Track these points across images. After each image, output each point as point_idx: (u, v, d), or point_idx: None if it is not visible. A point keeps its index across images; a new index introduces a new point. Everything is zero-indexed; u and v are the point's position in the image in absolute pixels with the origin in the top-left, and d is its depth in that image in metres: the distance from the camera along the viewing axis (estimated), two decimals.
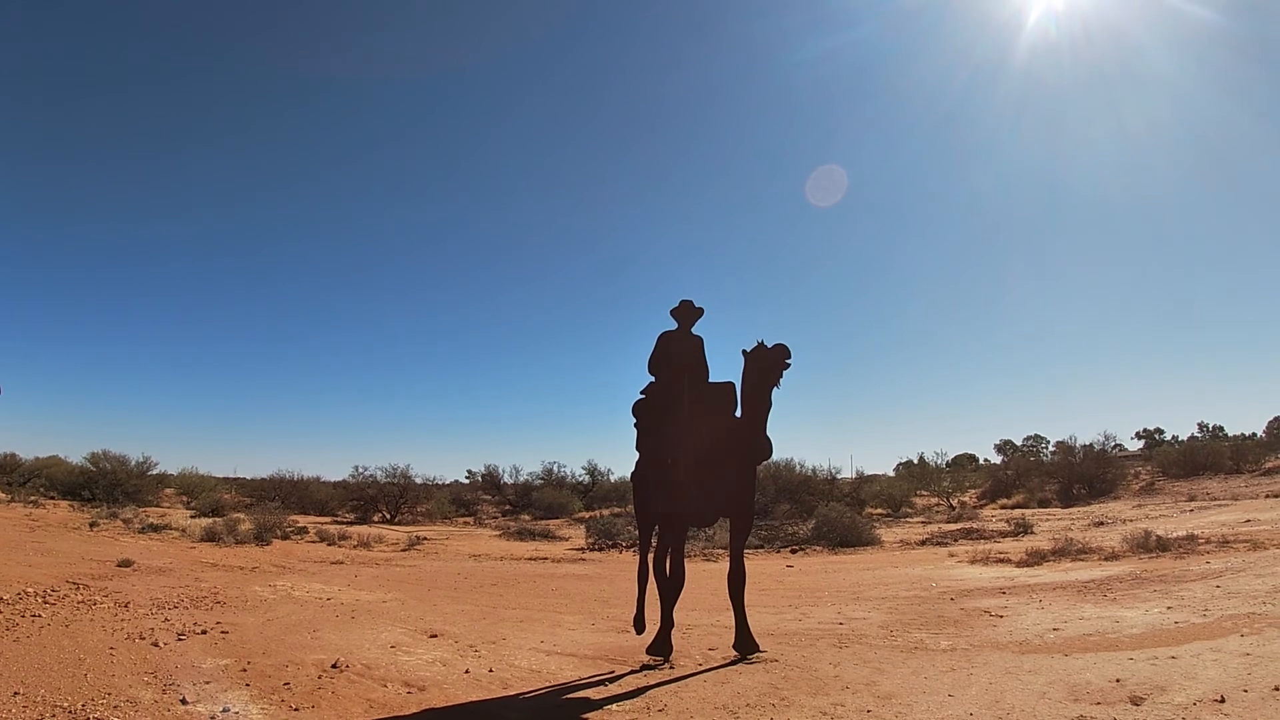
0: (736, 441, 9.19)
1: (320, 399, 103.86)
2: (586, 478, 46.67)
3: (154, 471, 39.47)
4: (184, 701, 6.78)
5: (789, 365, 8.97)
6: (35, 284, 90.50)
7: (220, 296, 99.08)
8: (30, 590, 11.54)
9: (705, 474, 9.04)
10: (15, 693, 6.66)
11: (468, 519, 39.31)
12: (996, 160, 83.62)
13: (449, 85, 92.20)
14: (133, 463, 38.04)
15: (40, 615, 9.99)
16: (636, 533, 11.12)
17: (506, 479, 47.26)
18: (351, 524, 32.62)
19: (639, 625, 9.56)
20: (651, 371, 9.90)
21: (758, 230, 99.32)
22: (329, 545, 23.39)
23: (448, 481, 50.33)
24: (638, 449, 10.04)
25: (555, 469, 46.98)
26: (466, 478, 51.00)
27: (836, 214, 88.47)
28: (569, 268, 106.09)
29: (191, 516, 29.52)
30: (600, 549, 24.16)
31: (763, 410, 9.14)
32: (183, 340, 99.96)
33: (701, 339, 9.98)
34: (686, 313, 9.84)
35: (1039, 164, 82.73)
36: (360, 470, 41.33)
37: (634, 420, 10.07)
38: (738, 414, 9.35)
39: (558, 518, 37.04)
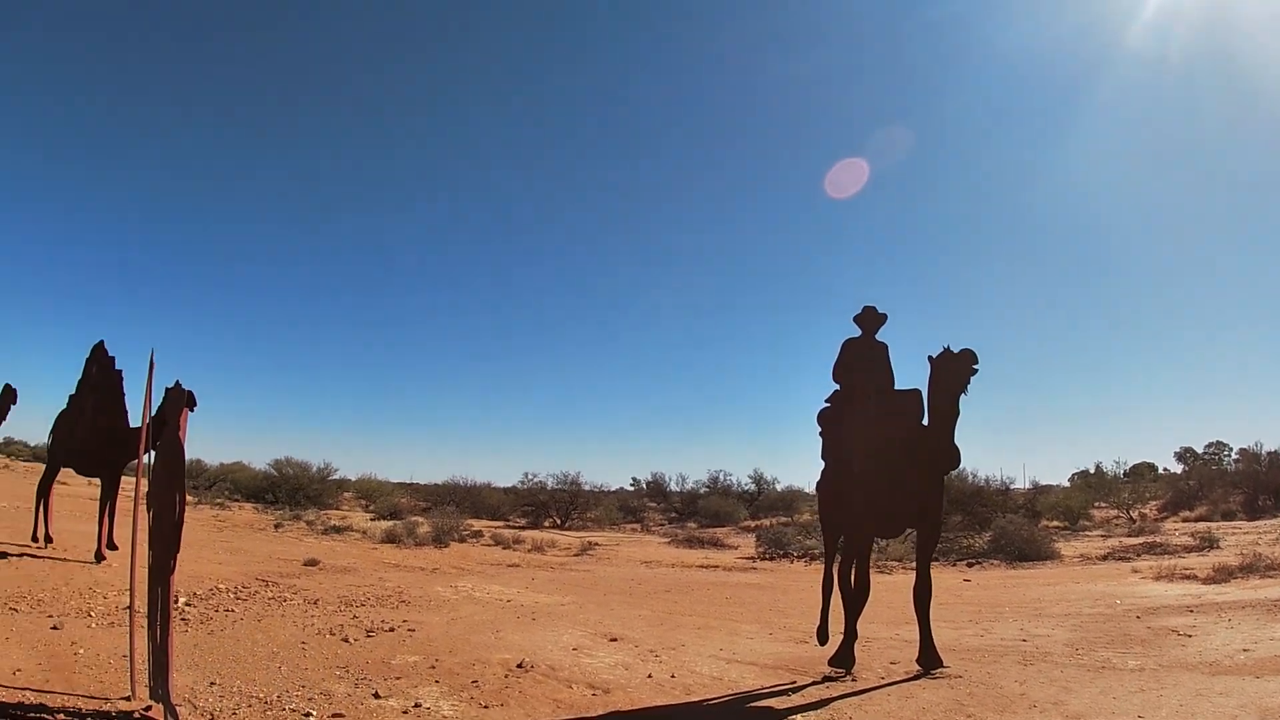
0: (924, 450, 8.77)
1: (492, 405, 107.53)
2: (752, 486, 45.90)
3: (334, 477, 41.60)
4: (376, 696, 6.76)
5: (976, 371, 8.56)
6: (220, 288, 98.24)
7: (400, 302, 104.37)
8: (222, 586, 12.07)
9: (891, 484, 8.69)
10: (211, 683, 6.81)
11: (634, 525, 39.48)
12: (1172, 149, 76.82)
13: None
14: (314, 469, 40.13)
15: (233, 610, 10.38)
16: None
17: (673, 487, 47.26)
18: (523, 529, 33.27)
19: (822, 636, 9.20)
20: (835, 379, 9.56)
21: (933, 229, 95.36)
22: (504, 549, 23.71)
23: (613, 489, 50.78)
24: (823, 458, 9.68)
25: (721, 477, 46.50)
26: (631, 485, 51.30)
27: (1001, 213, 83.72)
28: (739, 270, 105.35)
29: (371, 519, 30.86)
30: (771, 558, 23.73)
31: (950, 418, 8.70)
32: (360, 348, 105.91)
33: (886, 345, 9.51)
34: (870, 319, 9.43)
35: (1217, 149, 75.37)
36: (530, 476, 42.31)
37: (819, 429, 9.72)
38: (924, 422, 8.93)
39: (723, 526, 36.60)
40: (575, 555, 23.10)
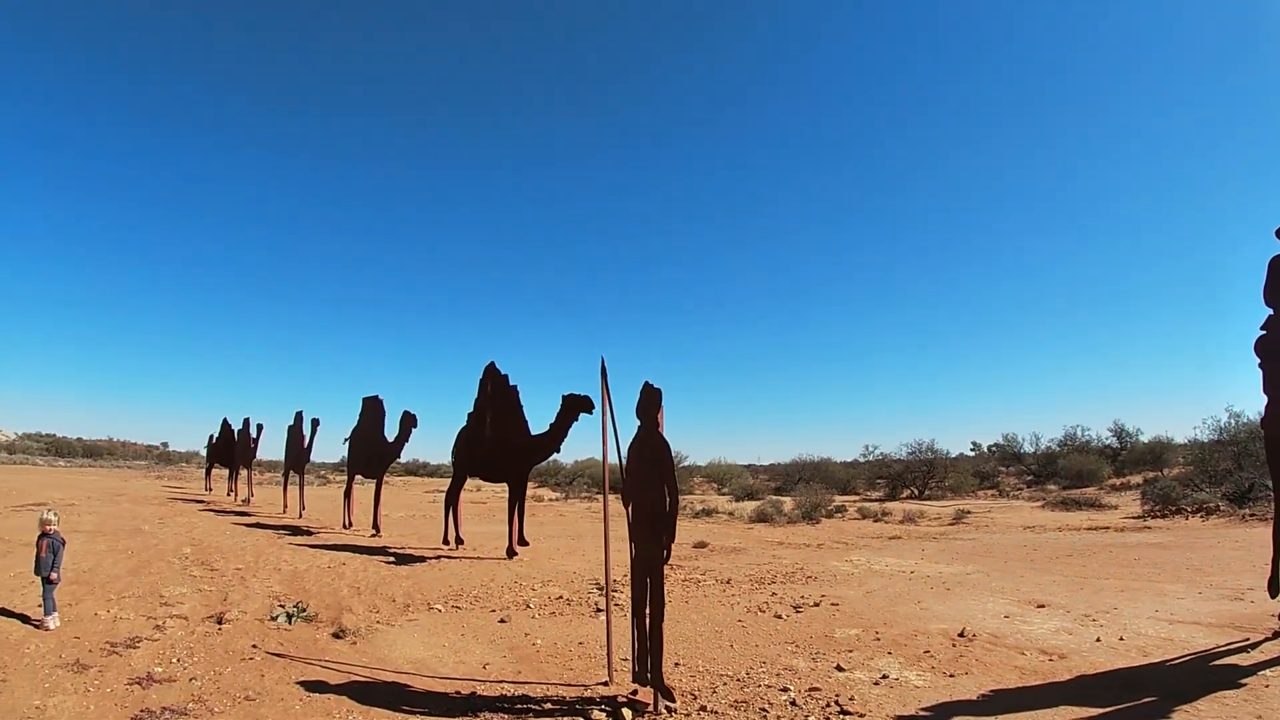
0: None
1: (831, 379, 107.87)
2: (1113, 441, 42.05)
3: (684, 463, 43.43)
4: (839, 669, 6.97)
5: None
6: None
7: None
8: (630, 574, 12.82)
9: None
10: (675, 664, 7.26)
11: (990, 491, 37.64)
12: None
13: None
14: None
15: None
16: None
17: (1026, 448, 44.41)
18: (881, 500, 32.84)
19: (1274, 589, 8.29)
20: (1268, 303, 8.47)
21: None
22: (874, 521, 23.73)
23: (952, 455, 48.74)
24: (1265, 392, 8.55)
25: (1078, 433, 43.09)
26: (971, 450, 48.79)
27: None
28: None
29: (730, 501, 31.86)
30: (1162, 515, 21.99)
31: None
32: (707, 333, 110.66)
33: None
34: None
35: None
36: (870, 449, 41.81)
37: (1258, 361, 8.60)
38: None
39: (1086, 486, 33.99)
40: (951, 524, 22.55)
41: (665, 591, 6.18)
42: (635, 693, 6.30)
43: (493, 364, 16.12)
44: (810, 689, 6.36)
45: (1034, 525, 21.50)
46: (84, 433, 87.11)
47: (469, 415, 16.61)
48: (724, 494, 39.40)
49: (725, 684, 6.61)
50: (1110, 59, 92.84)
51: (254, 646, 7.86)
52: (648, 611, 6.19)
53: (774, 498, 29.36)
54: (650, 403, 6.34)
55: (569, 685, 6.71)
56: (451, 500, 16.92)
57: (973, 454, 48.16)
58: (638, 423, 6.47)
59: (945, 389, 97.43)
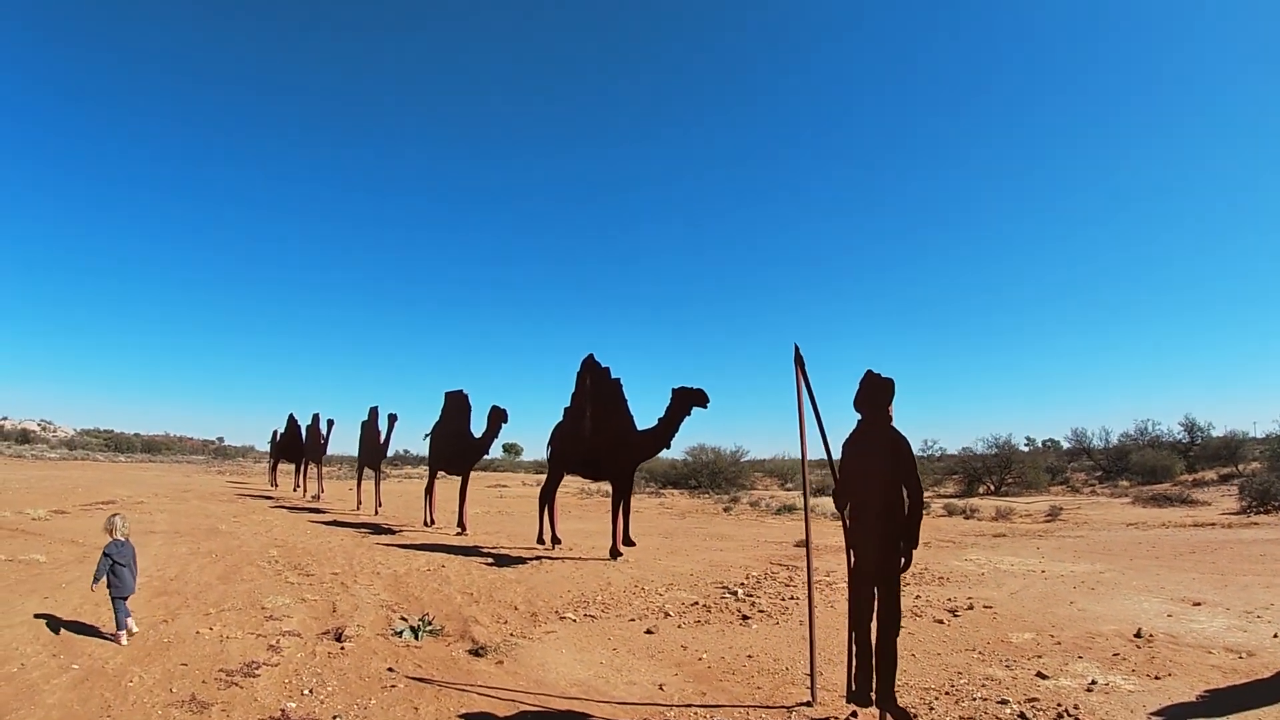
0: None
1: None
2: (1183, 435, 41.56)
3: (746, 458, 43.43)
4: (1041, 676, 6.89)
5: None
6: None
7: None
8: (754, 574, 12.90)
9: None
10: None
11: (1059, 487, 37.37)
12: None
13: None
14: (726, 452, 42.10)
15: (796, 598, 10.88)
16: None
17: (1095, 442, 44.00)
18: (957, 497, 32.65)
19: None
20: None
21: None
22: (965, 519, 23.69)
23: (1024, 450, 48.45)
24: None
25: (1148, 426, 42.69)
26: (1025, 444, 48.34)
27: None
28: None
29: (800, 497, 31.77)
30: (1265, 511, 22.25)
31: None
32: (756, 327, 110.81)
33: None
34: None
35: None
36: (929, 444, 41.91)
37: None
38: None
39: (1159, 482, 33.85)
40: (1047, 522, 22.49)
41: (899, 601, 5.73)
42: (855, 715, 6.03)
43: (591, 356, 15.88)
44: (1027, 699, 6.28)
45: (1135, 522, 21.51)
46: (139, 428, 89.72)
47: (565, 410, 16.44)
48: (788, 489, 39.34)
49: (936, 698, 6.46)
50: None
51: (390, 670, 7.33)
52: (874, 624, 5.81)
53: None
54: (880, 394, 5.94)
55: (767, 707, 6.33)
56: (546, 498, 16.86)
57: (1026, 448, 47.96)
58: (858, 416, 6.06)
59: (1011, 384, 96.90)
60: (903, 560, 5.69)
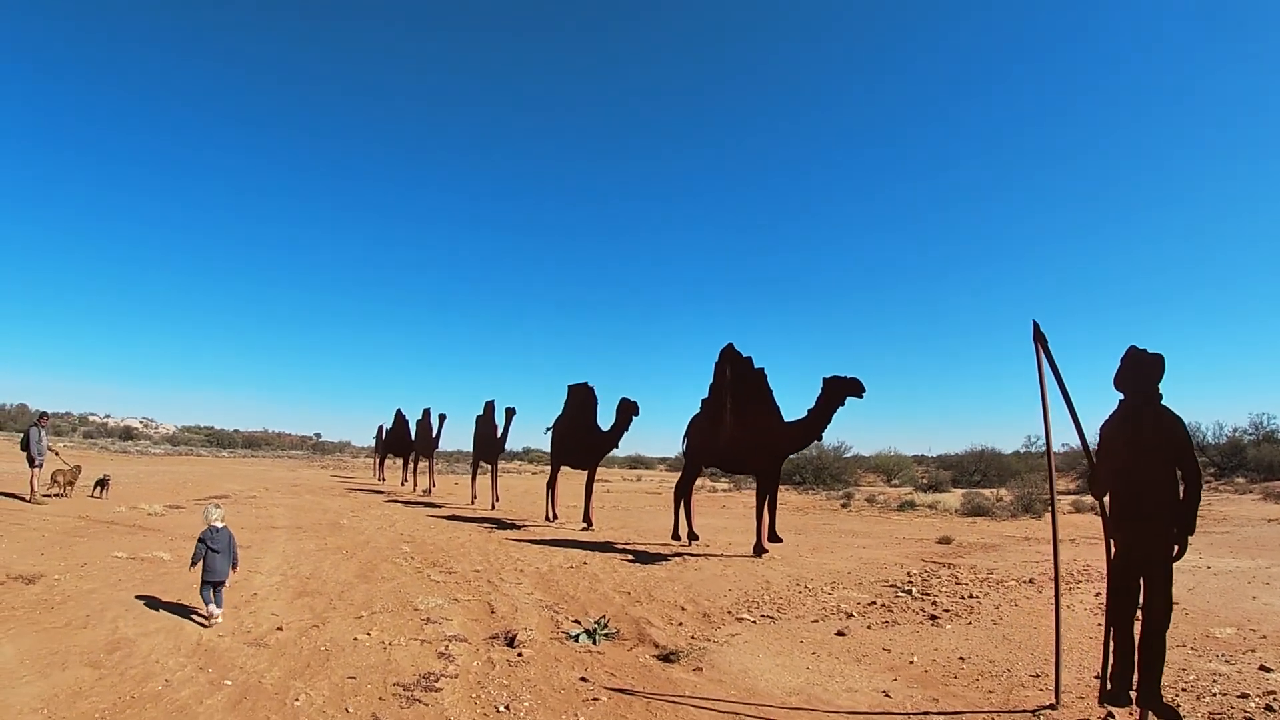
0: None
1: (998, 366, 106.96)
2: None
3: (849, 454, 43.52)
4: (1265, 669, 7.02)
5: None
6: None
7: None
8: (914, 572, 12.79)
9: None
10: (1095, 675, 6.85)
11: None
12: None
13: None
14: (830, 448, 42.23)
15: (978, 596, 10.74)
16: None
17: (1209, 438, 42.89)
18: (1070, 494, 32.47)
19: None
20: None
21: None
22: (1081, 514, 23.52)
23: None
24: None
25: (1264, 421, 41.26)
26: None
27: None
28: None
29: (907, 493, 31.90)
30: None
31: None
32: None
33: None
34: None
35: None
36: (1032, 439, 41.35)
37: None
38: None
39: (1277, 479, 32.69)
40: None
41: (1170, 593, 5.45)
42: (1110, 716, 5.80)
43: (730, 346, 15.73)
44: (1265, 692, 6.23)
45: (1275, 518, 21.25)
46: (237, 424, 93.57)
47: (703, 402, 16.36)
48: (895, 485, 39.36)
49: (1175, 695, 6.29)
50: None
51: (583, 680, 6.81)
52: (1141, 617, 5.55)
53: (968, 490, 29.34)
54: (1149, 371, 5.59)
55: (1010, 713, 6.04)
56: (683, 492, 16.89)
57: None
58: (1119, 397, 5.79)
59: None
60: (1177, 548, 5.40)
